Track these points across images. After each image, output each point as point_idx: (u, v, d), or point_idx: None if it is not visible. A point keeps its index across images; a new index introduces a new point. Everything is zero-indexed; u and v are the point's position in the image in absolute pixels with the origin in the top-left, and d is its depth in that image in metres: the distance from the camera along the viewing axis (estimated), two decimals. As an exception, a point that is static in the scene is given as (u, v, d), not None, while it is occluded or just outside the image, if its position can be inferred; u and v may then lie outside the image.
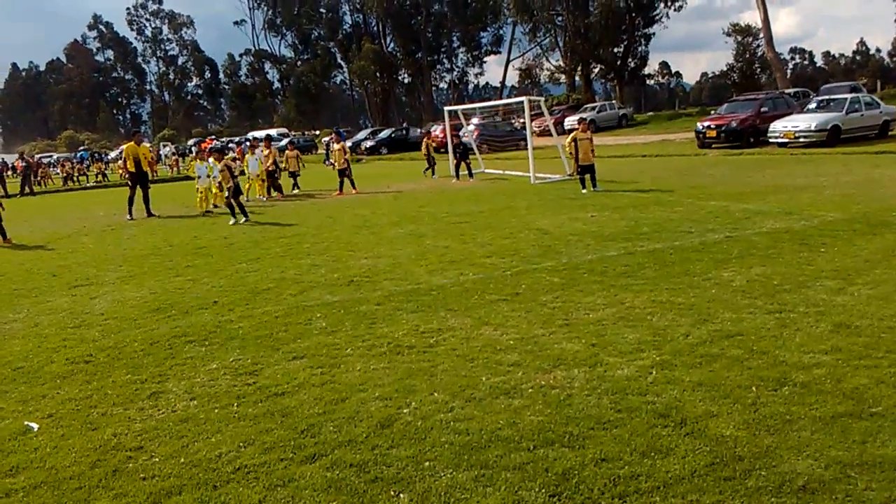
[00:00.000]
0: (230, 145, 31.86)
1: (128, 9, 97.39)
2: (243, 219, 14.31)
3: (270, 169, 19.62)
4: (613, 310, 6.11)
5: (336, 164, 19.48)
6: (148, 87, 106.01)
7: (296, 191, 20.90)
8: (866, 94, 26.87)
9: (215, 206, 17.34)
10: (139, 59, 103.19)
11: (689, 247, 8.50)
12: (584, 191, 14.93)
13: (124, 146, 17.72)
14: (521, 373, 4.80)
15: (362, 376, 4.99)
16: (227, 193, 14.77)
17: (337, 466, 3.71)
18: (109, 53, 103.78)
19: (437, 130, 37.95)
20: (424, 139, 24.99)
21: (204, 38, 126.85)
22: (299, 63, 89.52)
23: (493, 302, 6.68)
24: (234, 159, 18.06)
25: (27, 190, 31.60)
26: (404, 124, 55.89)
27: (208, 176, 16.94)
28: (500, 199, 14.97)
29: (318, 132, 57.75)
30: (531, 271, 7.84)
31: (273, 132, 49.18)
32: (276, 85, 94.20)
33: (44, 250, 12.61)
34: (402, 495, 3.39)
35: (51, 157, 55.50)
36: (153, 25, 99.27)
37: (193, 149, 44.03)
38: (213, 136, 58.86)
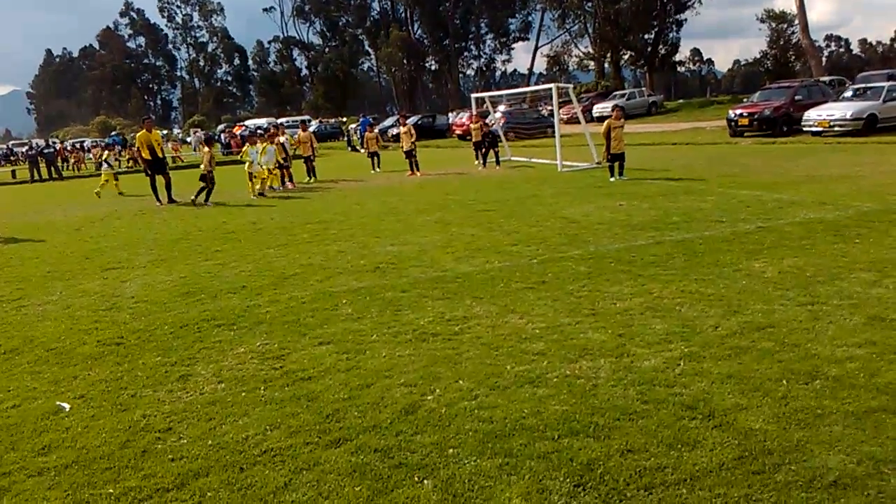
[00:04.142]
0: (258, 131, 31.96)
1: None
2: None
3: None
4: (641, 300, 6.04)
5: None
6: (178, 74, 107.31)
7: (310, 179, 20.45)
8: (905, 83, 26.12)
9: (272, 188, 18.19)
10: (170, 46, 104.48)
11: (720, 237, 8.37)
12: (612, 179, 14.80)
13: (137, 135, 17.85)
14: (547, 362, 4.78)
15: (387, 362, 5.01)
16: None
17: (361, 451, 3.73)
18: (141, 40, 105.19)
19: (463, 118, 37.74)
20: (478, 123, 21.41)
21: (233, 25, 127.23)
22: (327, 50, 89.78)
23: (518, 290, 6.65)
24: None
25: (54, 174, 32.32)
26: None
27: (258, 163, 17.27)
28: (527, 187, 14.88)
29: (344, 119, 57.90)
30: (558, 260, 7.78)
31: (262, 121, 48.43)
32: (304, 72, 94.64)
33: (77, 233, 12.84)
34: (426, 481, 3.39)
35: (82, 142, 56.18)
36: (184, 13, 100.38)
37: (223, 135, 44.55)
38: (242, 123, 59.36)
